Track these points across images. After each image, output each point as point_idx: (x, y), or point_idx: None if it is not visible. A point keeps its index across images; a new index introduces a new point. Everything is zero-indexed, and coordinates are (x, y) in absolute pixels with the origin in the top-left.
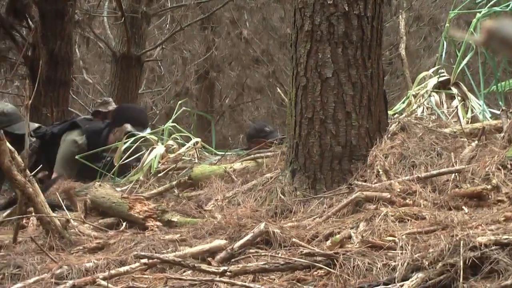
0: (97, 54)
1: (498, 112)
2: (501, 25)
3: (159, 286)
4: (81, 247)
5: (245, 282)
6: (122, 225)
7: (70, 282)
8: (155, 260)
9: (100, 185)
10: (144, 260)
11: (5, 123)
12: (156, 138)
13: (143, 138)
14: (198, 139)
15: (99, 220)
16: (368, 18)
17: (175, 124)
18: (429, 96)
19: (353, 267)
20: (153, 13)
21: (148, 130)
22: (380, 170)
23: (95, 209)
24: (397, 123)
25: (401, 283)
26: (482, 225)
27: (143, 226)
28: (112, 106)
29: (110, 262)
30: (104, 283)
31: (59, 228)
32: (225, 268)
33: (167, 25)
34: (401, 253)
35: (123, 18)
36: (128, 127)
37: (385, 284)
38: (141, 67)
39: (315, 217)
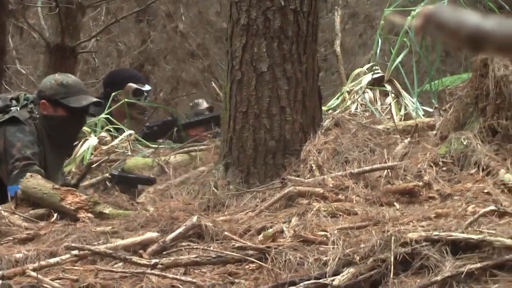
0: (31, 45)
1: (431, 110)
2: (438, 10)
3: (89, 277)
4: (11, 238)
5: (177, 275)
6: (53, 216)
7: None
8: (86, 251)
9: (31, 176)
10: (75, 252)
11: (62, 95)
12: (89, 130)
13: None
14: (132, 131)
15: (30, 211)
16: (304, 13)
17: (108, 116)
18: (363, 92)
19: (285, 261)
20: (88, 4)
21: (148, 87)
22: (313, 165)
23: (26, 200)
24: (331, 119)
25: (332, 277)
26: (413, 221)
27: (75, 218)
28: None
29: (41, 253)
30: (34, 274)
31: None
32: (157, 260)
33: (102, 17)
34: (333, 248)
35: (57, 9)
36: (133, 85)
37: (316, 278)
38: (75, 58)
39: (247, 211)
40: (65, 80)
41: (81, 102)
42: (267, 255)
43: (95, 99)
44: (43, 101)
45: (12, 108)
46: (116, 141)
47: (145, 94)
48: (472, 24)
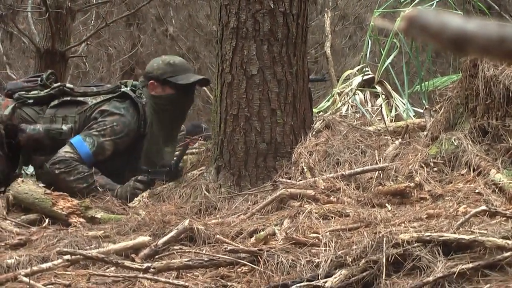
0: (21, 50)
1: (422, 111)
2: (421, 13)
3: (81, 282)
4: (2, 244)
5: (169, 278)
6: (45, 221)
7: None
8: (78, 256)
9: (22, 181)
10: (67, 257)
11: (169, 74)
12: None
13: None
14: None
15: (21, 216)
16: (294, 16)
17: None
18: (354, 94)
19: (277, 263)
20: (78, 8)
21: None
22: (304, 167)
23: (17, 205)
24: (321, 120)
25: (325, 279)
26: (405, 222)
27: (66, 223)
28: None
29: (32, 259)
30: (26, 279)
31: None
32: (149, 264)
33: (92, 21)
34: (325, 250)
35: (47, 14)
36: None
37: (308, 280)
38: (66, 63)
39: (239, 214)
40: (171, 59)
41: (189, 78)
42: (259, 257)
43: (202, 77)
44: (151, 81)
45: (122, 89)
46: None
47: None
48: (454, 26)
